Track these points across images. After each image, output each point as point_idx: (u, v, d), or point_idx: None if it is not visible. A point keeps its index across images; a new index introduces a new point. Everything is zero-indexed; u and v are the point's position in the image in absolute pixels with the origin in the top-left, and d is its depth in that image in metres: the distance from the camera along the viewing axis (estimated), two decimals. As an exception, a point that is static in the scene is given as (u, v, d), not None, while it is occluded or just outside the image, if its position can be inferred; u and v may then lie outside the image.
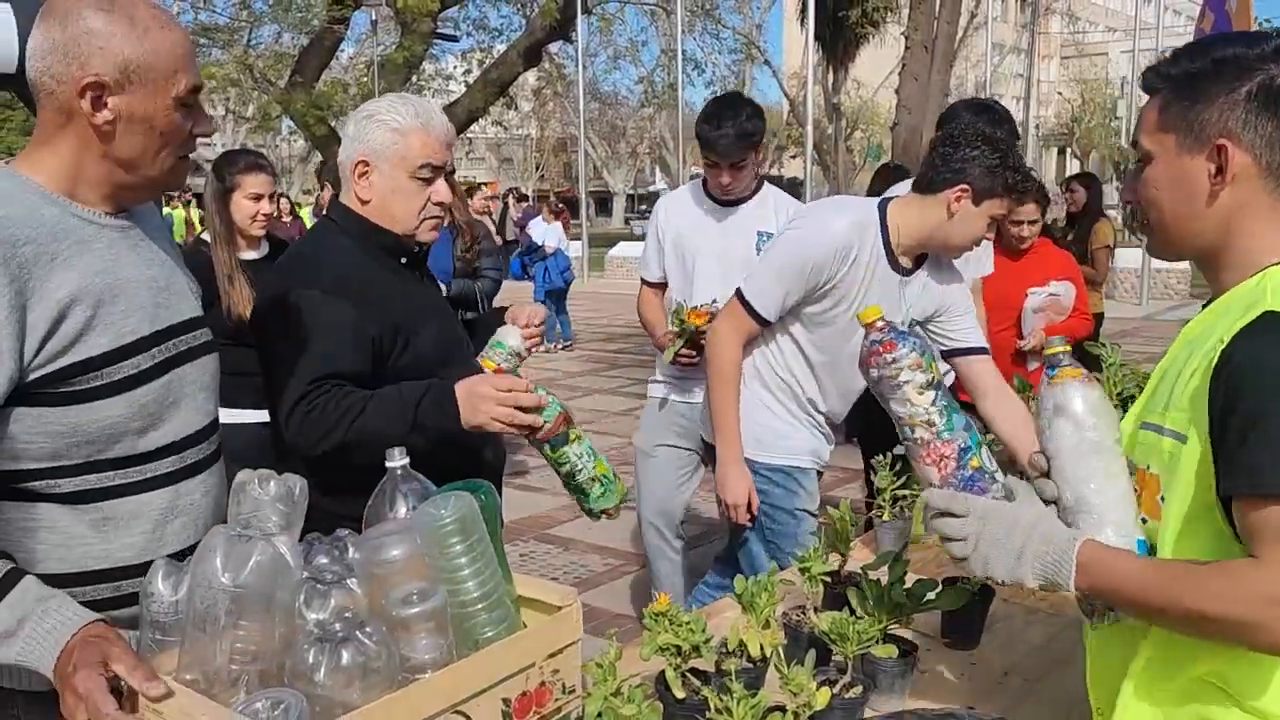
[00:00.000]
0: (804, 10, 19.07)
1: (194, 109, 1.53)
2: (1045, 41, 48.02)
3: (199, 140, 1.57)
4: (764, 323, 2.70)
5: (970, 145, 2.56)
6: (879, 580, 1.74)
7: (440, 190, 2.09)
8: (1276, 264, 1.30)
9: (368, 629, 1.31)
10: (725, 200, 3.47)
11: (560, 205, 15.12)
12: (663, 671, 1.58)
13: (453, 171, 2.15)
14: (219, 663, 1.30)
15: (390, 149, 2.02)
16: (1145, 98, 1.40)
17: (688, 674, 1.57)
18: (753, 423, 2.76)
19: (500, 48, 23.45)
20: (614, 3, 24.05)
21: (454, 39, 24.07)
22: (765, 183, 3.56)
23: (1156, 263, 15.93)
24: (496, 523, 1.54)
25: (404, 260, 2.13)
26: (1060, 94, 49.13)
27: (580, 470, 2.12)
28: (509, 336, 2.26)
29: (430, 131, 2.03)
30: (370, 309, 1.98)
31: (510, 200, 25.37)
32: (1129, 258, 15.74)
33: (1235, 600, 1.17)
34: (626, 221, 44.47)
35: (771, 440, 2.81)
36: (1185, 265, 16.39)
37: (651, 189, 47.66)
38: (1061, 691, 1.79)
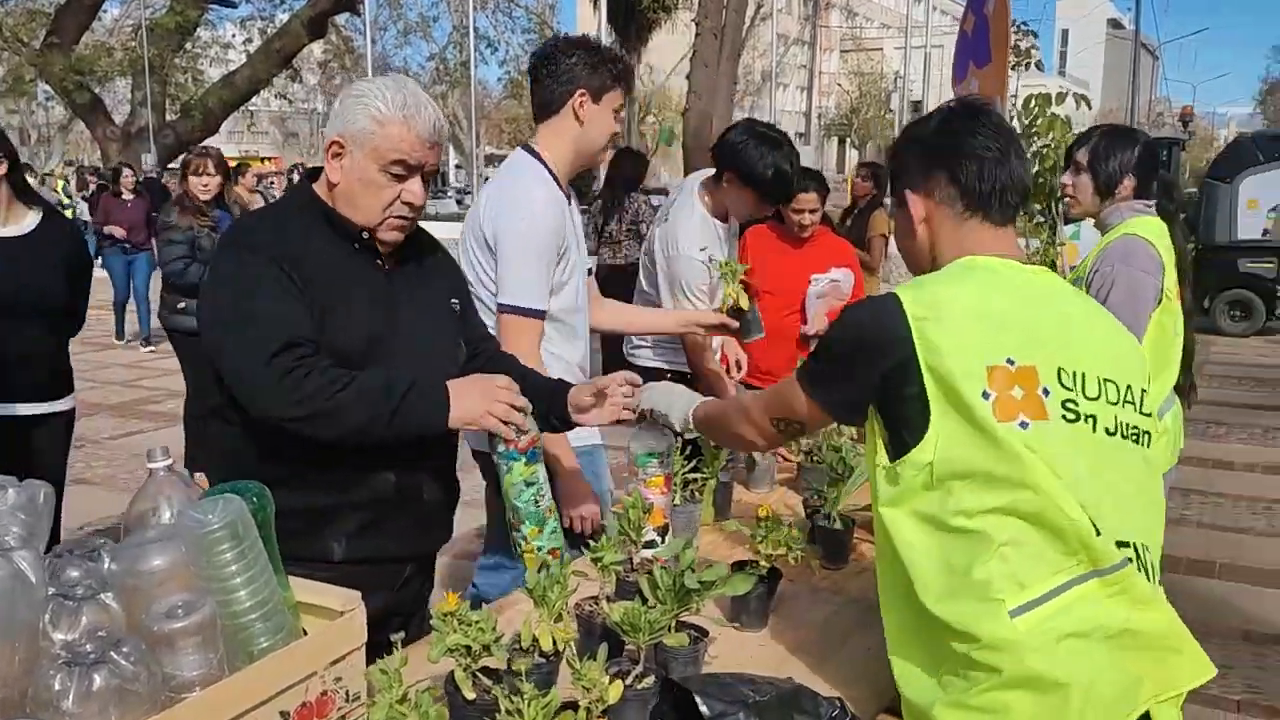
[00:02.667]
0: (597, -7, 19.12)
1: None
2: (826, 35, 50.10)
3: None
4: (543, 316, 2.65)
5: (566, 55, 2.65)
6: (669, 568, 1.74)
7: (413, 190, 1.95)
8: None
9: (124, 648, 1.20)
10: None
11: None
12: (452, 672, 1.54)
13: (434, 172, 2.01)
14: (-54, 696, 1.16)
15: (365, 136, 1.89)
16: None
17: (478, 674, 1.53)
18: None
19: (282, 17, 22.45)
20: (403, -25, 23.44)
21: (231, 5, 22.89)
22: None
23: (927, 249, 16.94)
24: (271, 526, 1.45)
25: (358, 245, 1.98)
26: (840, 85, 51.39)
27: (544, 496, 1.97)
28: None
29: (411, 126, 1.90)
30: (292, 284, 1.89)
31: (296, 176, 24.36)
32: (901, 243, 16.64)
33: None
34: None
35: None
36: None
37: (448, 169, 46.67)
38: (847, 667, 1.86)
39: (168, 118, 23.07)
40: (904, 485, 1.59)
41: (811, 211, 4.07)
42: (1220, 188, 11.87)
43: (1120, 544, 1.55)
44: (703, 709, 1.43)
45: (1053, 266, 8.31)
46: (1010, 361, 1.56)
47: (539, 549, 1.90)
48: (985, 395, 1.52)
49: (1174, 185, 3.00)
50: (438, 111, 1.96)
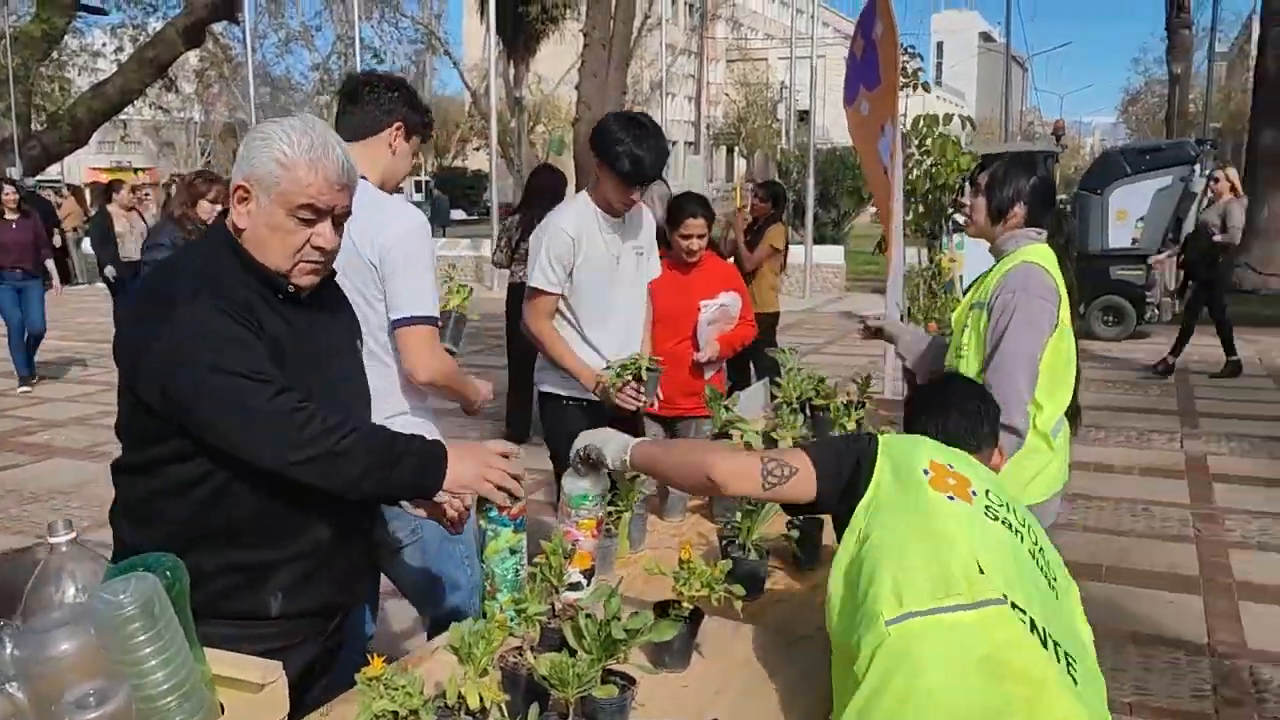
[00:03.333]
0: (484, 3, 19.01)
1: None
2: (713, 45, 50.72)
3: None
4: (436, 324, 2.73)
5: (389, 89, 2.76)
6: (594, 616, 1.73)
7: (323, 234, 1.89)
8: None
9: (34, 744, 1.14)
10: None
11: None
12: (378, 737, 1.50)
13: (345, 215, 1.95)
14: None
15: (270, 180, 1.83)
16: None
17: (405, 738, 1.49)
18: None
19: (156, 25, 21.69)
20: (284, -17, 22.90)
21: (101, 12, 22.06)
22: None
23: (817, 259, 17.28)
24: (186, 599, 1.39)
25: (281, 296, 1.91)
26: (727, 95, 52.03)
27: (524, 567, 1.99)
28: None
29: (319, 170, 1.84)
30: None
31: (174, 189, 23.52)
32: (793, 255, 16.91)
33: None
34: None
35: None
36: (841, 261, 17.92)
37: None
38: (773, 702, 1.86)
39: (33, 128, 22.07)
40: (843, 549, 1.83)
41: (699, 236, 4.12)
42: (1091, 199, 12.39)
43: (1016, 606, 1.62)
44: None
45: (940, 273, 8.61)
46: (950, 466, 1.88)
47: (511, 619, 1.85)
48: (925, 472, 1.84)
49: (1066, 218, 3.09)
50: (346, 152, 1.91)
